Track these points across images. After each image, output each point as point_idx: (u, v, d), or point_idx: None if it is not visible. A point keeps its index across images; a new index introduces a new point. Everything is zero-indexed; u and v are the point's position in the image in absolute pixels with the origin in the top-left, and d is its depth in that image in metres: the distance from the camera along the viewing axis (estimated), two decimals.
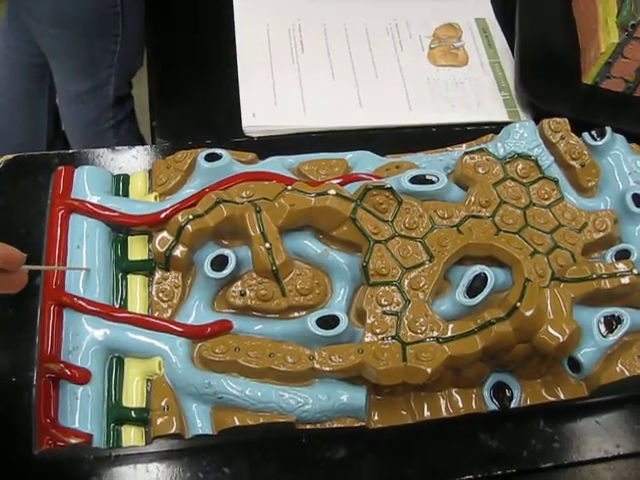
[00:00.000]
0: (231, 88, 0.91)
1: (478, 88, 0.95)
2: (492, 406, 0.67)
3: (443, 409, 0.67)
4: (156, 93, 0.93)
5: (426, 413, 0.66)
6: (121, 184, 0.76)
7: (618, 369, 0.65)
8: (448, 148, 0.81)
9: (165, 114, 0.90)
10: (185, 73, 0.94)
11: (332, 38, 0.98)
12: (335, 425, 0.64)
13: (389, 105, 0.92)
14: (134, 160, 0.82)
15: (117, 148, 0.82)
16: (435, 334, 0.62)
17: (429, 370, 0.60)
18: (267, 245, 0.65)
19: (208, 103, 0.91)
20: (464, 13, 1.04)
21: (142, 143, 1.42)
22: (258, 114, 0.89)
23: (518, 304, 0.62)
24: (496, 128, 0.81)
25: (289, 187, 0.68)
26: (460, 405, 0.67)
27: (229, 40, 0.96)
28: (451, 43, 1.00)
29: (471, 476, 0.66)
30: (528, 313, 0.61)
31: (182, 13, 1.01)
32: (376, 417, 0.66)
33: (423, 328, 0.62)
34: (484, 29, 1.02)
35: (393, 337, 0.62)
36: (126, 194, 0.75)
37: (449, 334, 0.62)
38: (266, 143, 0.85)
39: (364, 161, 0.77)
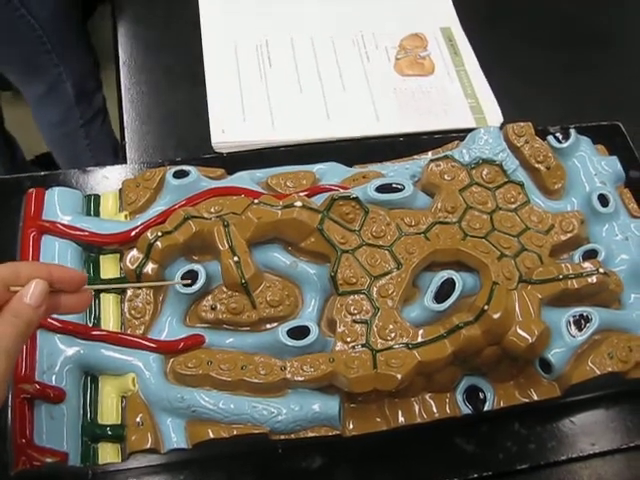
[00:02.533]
0: (200, 105, 0.92)
1: (445, 96, 0.95)
2: (466, 410, 0.67)
3: (417, 415, 0.67)
4: (126, 112, 0.93)
5: (400, 419, 0.67)
6: (92, 204, 0.76)
7: (589, 368, 0.66)
8: (415, 156, 0.82)
9: (135, 133, 0.90)
10: (155, 91, 0.95)
11: (299, 52, 0.99)
12: (310, 435, 0.64)
13: (357, 116, 0.92)
14: (105, 180, 0.82)
15: (88, 169, 0.82)
16: (405, 340, 0.63)
17: (399, 376, 0.61)
18: (236, 259, 0.65)
19: (178, 121, 0.92)
20: (429, 23, 1.05)
21: (116, 144, 1.42)
22: (227, 130, 0.89)
23: (486, 307, 0.62)
24: (463, 135, 0.81)
25: (256, 200, 0.68)
26: (434, 410, 0.67)
27: (197, 57, 0.97)
28: (417, 53, 1.00)
29: None
30: (496, 316, 0.62)
31: (150, 31, 1.02)
32: (351, 425, 0.66)
33: (393, 335, 0.63)
34: (449, 38, 1.03)
35: (363, 345, 0.63)
36: (97, 214, 0.76)
37: (419, 340, 0.63)
38: (235, 158, 0.85)
39: (332, 172, 0.78)
